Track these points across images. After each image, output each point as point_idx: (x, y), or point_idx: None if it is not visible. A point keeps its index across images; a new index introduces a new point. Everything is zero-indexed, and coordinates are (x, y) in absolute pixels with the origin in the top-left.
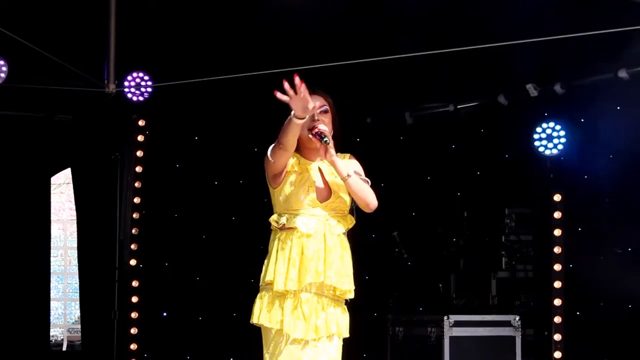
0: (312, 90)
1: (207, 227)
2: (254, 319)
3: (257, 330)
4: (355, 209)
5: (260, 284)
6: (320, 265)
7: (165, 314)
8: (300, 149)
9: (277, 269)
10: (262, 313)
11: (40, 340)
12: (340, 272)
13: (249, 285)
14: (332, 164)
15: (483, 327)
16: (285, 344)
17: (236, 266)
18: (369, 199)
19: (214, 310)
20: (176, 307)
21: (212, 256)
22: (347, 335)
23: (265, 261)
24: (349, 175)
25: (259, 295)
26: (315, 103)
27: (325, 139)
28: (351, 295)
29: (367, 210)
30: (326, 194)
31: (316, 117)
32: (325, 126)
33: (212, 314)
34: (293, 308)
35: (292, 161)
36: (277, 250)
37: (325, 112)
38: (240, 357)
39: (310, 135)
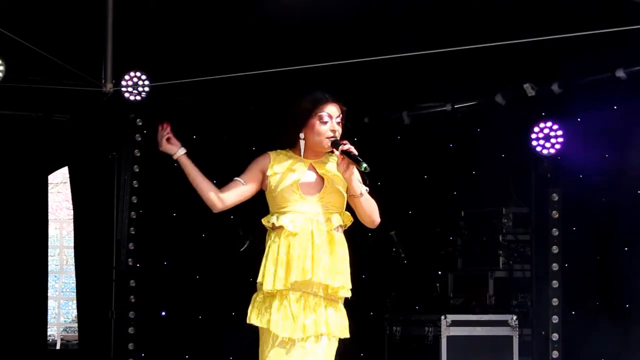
0: (332, 98)
1: (206, 226)
2: (248, 319)
3: (255, 330)
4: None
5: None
6: (307, 263)
7: (164, 313)
8: (303, 149)
9: (267, 269)
10: (253, 313)
11: (37, 339)
12: (328, 270)
13: (248, 284)
14: (349, 181)
15: (480, 326)
16: (273, 344)
17: (235, 265)
18: (375, 216)
19: (213, 310)
20: (174, 307)
21: (210, 255)
22: (343, 335)
23: (262, 261)
24: (361, 194)
25: (253, 296)
26: (333, 113)
27: (364, 166)
28: (345, 292)
29: (371, 226)
30: (317, 189)
31: (335, 128)
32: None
33: (211, 313)
34: (280, 307)
35: (280, 159)
36: (269, 251)
37: (339, 122)
38: (240, 356)
39: (337, 152)
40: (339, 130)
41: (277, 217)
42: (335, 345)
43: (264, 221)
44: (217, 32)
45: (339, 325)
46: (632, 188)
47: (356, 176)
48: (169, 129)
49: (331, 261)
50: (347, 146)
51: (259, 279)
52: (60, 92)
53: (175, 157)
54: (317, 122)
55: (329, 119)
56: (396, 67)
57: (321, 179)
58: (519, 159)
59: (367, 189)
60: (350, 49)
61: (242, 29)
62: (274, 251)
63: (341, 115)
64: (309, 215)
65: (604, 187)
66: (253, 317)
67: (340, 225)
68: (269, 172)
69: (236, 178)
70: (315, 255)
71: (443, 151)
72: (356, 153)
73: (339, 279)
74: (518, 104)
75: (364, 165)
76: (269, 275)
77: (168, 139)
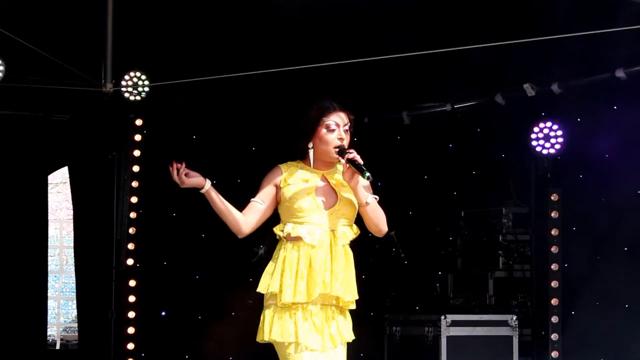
0: (340, 107)
1: (206, 226)
2: (265, 337)
3: (254, 330)
4: None
5: (258, 289)
6: (327, 276)
7: (164, 313)
8: (312, 159)
9: (284, 281)
10: (273, 328)
11: (37, 339)
12: (345, 284)
13: (247, 284)
14: (355, 190)
15: (480, 326)
16: (302, 352)
17: (235, 265)
18: (381, 226)
19: (213, 310)
20: (174, 307)
21: (210, 255)
22: (352, 337)
23: (268, 269)
24: (367, 203)
25: (265, 312)
26: (340, 122)
27: (367, 175)
28: (353, 306)
29: (378, 235)
30: (332, 201)
31: (342, 136)
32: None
33: (211, 313)
34: (304, 320)
35: (292, 171)
36: (283, 262)
37: (347, 131)
38: (239, 356)
39: (343, 160)
40: (346, 138)
41: (293, 227)
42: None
43: (276, 230)
44: (216, 32)
45: (350, 330)
46: (632, 188)
47: (362, 185)
48: (182, 165)
49: (346, 275)
50: (353, 154)
51: (272, 290)
52: (60, 92)
53: (204, 190)
54: (324, 130)
55: (336, 128)
56: (396, 67)
57: (334, 190)
58: (519, 159)
59: (377, 197)
60: (350, 49)
61: (241, 29)
62: (293, 263)
63: (349, 124)
64: (326, 227)
65: (604, 187)
66: (276, 334)
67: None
68: (282, 184)
69: (253, 200)
70: (334, 269)
71: (443, 151)
72: (361, 162)
73: (351, 292)
74: (518, 104)
75: (367, 174)
76: (288, 287)
77: (187, 174)
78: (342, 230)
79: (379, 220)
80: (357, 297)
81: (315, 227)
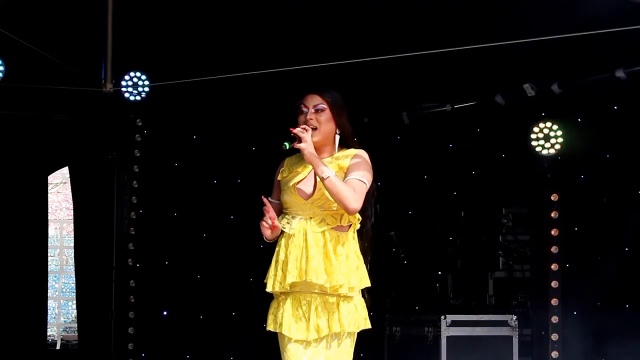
0: (313, 90)
1: (206, 226)
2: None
3: (255, 330)
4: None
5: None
6: (303, 263)
7: (165, 313)
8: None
9: (270, 272)
10: (269, 318)
11: (37, 339)
12: (323, 270)
13: (248, 284)
14: (311, 164)
15: (480, 327)
16: (287, 346)
17: (235, 265)
18: (344, 202)
19: (213, 310)
20: (175, 307)
21: (211, 255)
22: (360, 328)
23: None
24: (322, 178)
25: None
26: (310, 103)
27: (285, 143)
28: (345, 290)
29: (347, 212)
30: (311, 191)
31: (309, 117)
32: (304, 129)
33: (212, 313)
34: (292, 309)
35: (291, 163)
36: (274, 254)
37: (321, 110)
38: (240, 356)
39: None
40: (320, 118)
41: (281, 219)
42: (352, 339)
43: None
44: (216, 32)
45: (354, 320)
46: (632, 188)
47: (319, 161)
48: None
49: (325, 261)
50: (297, 130)
51: (265, 281)
52: (60, 92)
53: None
54: (298, 114)
55: (305, 109)
56: (396, 67)
57: (316, 181)
58: (519, 159)
59: (362, 179)
60: (350, 49)
61: (241, 29)
62: (277, 253)
63: (321, 104)
64: (304, 217)
65: (604, 187)
66: (269, 324)
67: (339, 226)
68: (279, 177)
69: (272, 200)
70: (308, 256)
71: (443, 151)
72: (300, 136)
73: (333, 279)
74: (518, 104)
75: (285, 143)
76: (271, 277)
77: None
78: (322, 218)
79: (339, 197)
80: (351, 283)
81: (294, 217)
